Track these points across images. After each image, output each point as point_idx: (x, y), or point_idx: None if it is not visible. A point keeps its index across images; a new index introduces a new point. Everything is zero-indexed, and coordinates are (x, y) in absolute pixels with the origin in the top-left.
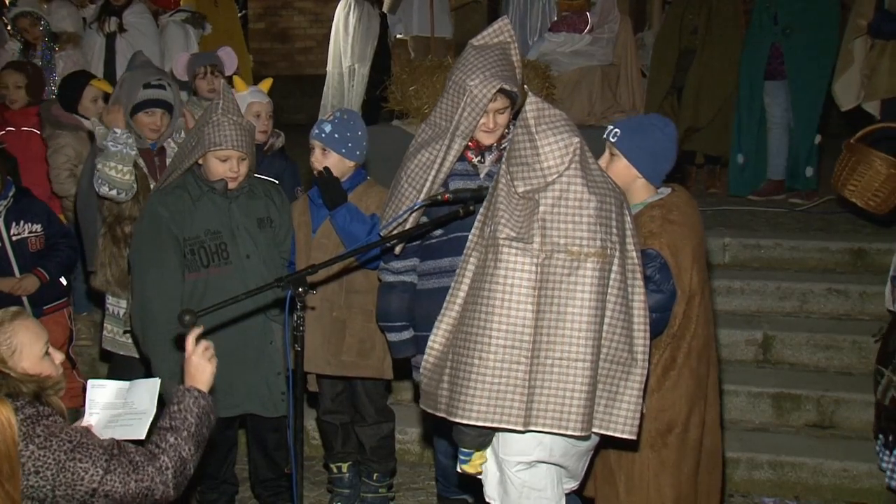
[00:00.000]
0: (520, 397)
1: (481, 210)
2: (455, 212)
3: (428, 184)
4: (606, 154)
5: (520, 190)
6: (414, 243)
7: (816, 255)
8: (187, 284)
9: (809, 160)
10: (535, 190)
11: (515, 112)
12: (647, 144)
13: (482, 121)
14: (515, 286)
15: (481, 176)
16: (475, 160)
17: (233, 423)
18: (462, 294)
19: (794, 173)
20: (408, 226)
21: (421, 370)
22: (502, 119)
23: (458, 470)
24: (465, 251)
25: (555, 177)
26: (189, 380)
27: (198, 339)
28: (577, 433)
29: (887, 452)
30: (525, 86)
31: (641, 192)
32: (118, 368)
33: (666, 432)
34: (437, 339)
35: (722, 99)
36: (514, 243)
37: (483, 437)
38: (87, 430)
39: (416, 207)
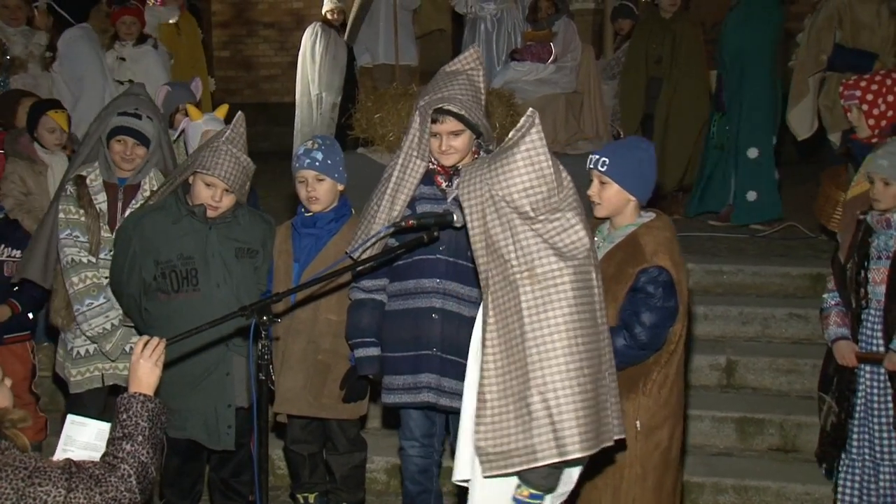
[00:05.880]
0: (614, 412)
1: (480, 251)
2: (419, 237)
3: (386, 202)
4: (596, 183)
5: (525, 209)
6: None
7: (777, 281)
8: (155, 306)
9: (766, 187)
10: (537, 214)
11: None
12: (634, 167)
13: (434, 144)
14: (575, 304)
15: (448, 200)
16: (444, 185)
17: (199, 454)
18: (497, 340)
19: (743, 201)
20: (375, 250)
21: (476, 435)
22: (457, 143)
23: None
24: (483, 297)
25: (562, 204)
26: (135, 384)
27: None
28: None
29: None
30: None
31: (632, 213)
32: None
33: (654, 450)
34: (490, 392)
35: (691, 126)
36: (553, 262)
37: (553, 477)
38: (41, 456)
39: (381, 235)
